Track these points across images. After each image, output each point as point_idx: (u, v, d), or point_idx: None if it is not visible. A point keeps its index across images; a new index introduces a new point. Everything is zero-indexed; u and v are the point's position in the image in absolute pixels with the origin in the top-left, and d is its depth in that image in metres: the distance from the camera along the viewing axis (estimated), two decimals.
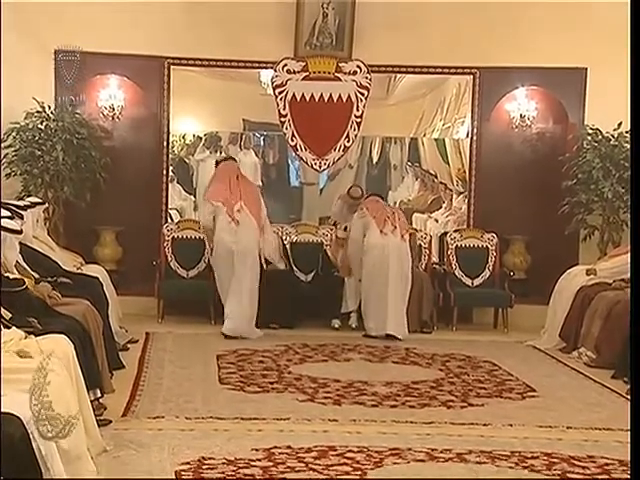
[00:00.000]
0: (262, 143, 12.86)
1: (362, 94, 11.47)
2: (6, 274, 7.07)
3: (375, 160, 12.88)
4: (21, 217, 7.93)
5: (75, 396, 5.57)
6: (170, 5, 10.99)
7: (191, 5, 11.02)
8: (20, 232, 7.26)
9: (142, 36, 11.02)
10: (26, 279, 7.30)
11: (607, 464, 5.89)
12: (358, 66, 11.39)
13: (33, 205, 9.23)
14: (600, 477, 5.66)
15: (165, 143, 11.57)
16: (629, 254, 9.28)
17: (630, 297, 5.47)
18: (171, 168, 11.86)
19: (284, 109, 11.50)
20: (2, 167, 10.64)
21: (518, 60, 11.29)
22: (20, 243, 7.70)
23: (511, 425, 6.78)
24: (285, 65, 11.39)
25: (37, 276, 7.72)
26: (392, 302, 10.02)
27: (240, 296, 9.86)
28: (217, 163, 10.77)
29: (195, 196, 12.51)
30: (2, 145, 10.65)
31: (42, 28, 10.86)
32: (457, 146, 12.49)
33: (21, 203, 8.89)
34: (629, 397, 7.60)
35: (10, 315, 6.13)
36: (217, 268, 10.15)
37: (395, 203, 12.27)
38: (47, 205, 10.09)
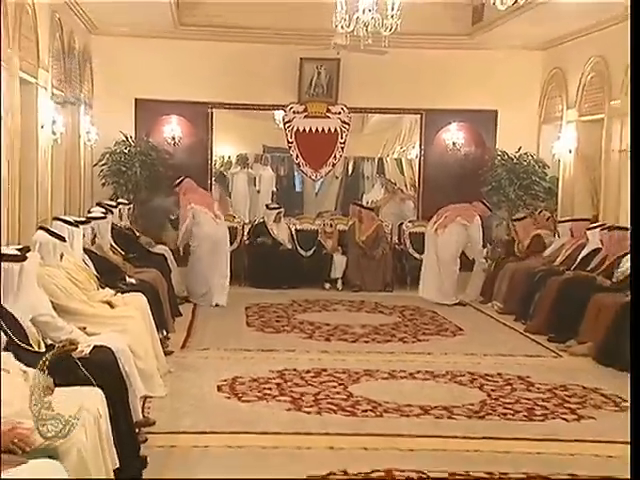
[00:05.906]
0: (276, 161, 12.83)
1: (345, 127, 11.45)
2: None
3: (350, 172, 12.87)
4: (112, 212, 8.02)
5: (149, 335, 5.63)
6: (213, 70, 10.97)
7: (226, 69, 10.99)
8: (104, 218, 7.28)
9: (193, 89, 11.00)
10: (116, 256, 7.34)
11: (510, 379, 5.99)
12: (342, 108, 11.36)
13: (124, 203, 9.29)
14: (505, 386, 5.78)
15: (210, 161, 11.55)
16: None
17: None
18: (214, 179, 11.84)
19: (291, 138, 11.49)
20: (99, 179, 10.66)
21: (451, 104, 11.28)
22: (115, 229, 7.77)
23: (446, 354, 6.85)
24: (292, 107, 11.37)
25: (123, 253, 7.76)
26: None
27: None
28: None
29: (230, 197, 12.46)
30: (99, 164, 10.65)
31: (128, 83, 10.83)
32: (410, 164, 12.46)
33: (112, 202, 8.96)
34: (526, 333, 7.69)
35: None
36: None
37: (368, 202, 12.18)
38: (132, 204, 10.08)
